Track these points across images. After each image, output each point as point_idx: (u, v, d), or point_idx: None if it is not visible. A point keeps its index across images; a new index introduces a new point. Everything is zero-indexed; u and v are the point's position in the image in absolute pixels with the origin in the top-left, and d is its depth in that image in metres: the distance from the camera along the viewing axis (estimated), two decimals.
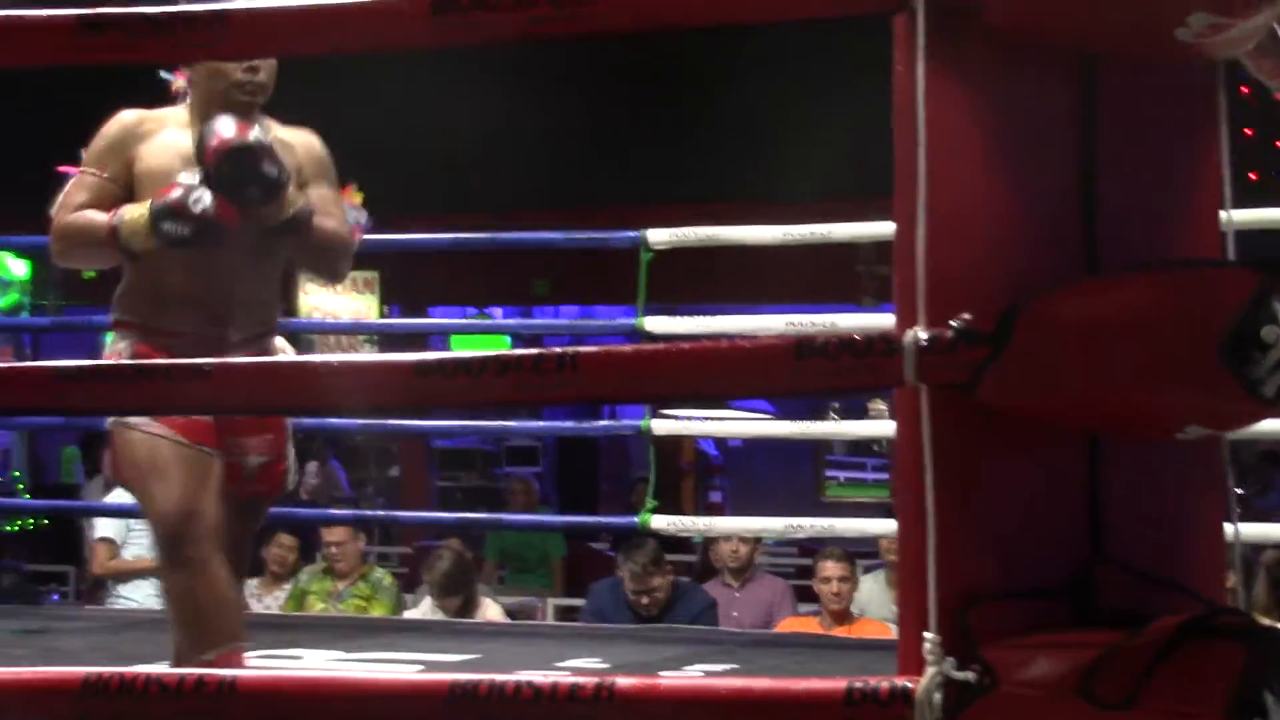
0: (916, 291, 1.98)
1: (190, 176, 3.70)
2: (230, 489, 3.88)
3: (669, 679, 2.01)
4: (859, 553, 7.73)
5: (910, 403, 1.98)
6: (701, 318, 6.67)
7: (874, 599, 7.44)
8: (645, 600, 7.24)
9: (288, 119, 4.00)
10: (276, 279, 4.03)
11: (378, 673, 2.18)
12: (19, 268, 12.71)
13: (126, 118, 3.92)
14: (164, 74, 4.05)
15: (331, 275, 4.10)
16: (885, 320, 6.81)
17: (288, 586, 8.21)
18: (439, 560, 7.52)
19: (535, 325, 11.94)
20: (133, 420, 3.73)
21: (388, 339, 10.91)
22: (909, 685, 1.90)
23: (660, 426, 6.71)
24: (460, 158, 12.25)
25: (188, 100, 3.92)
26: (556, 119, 12.13)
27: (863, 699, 1.92)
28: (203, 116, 3.80)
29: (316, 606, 7.86)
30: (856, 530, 6.77)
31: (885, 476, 15.11)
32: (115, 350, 3.90)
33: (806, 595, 7.97)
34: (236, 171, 3.66)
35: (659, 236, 6.61)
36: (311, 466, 13.51)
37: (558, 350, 2.03)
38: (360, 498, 14.36)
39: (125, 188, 3.85)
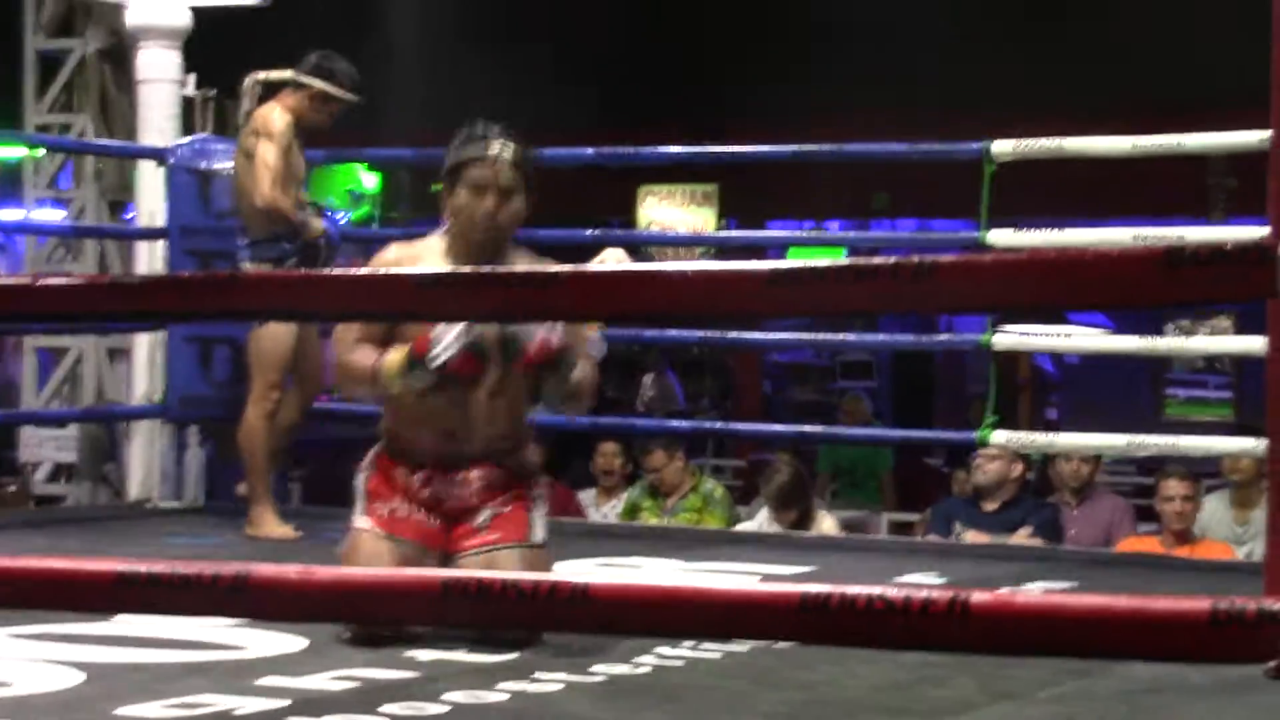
0: None
1: (447, 332, 4.16)
2: (463, 547, 4.36)
3: (1024, 595, 1.97)
4: (1201, 473, 7.54)
5: None
6: (1046, 230, 6.54)
7: (1216, 519, 7.26)
8: (983, 479, 7.22)
9: None
10: (518, 404, 4.43)
11: (723, 583, 2.17)
12: (370, 181, 13.04)
13: (387, 255, 4.40)
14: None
15: (574, 411, 4.67)
16: (1237, 233, 6.63)
17: (623, 496, 8.30)
18: (777, 472, 7.54)
19: (874, 238, 11.85)
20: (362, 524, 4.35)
21: (725, 251, 10.94)
22: (1277, 607, 1.83)
23: (1001, 341, 6.61)
24: (803, 60, 12.18)
25: (445, 229, 4.41)
26: (906, 20, 11.98)
27: (1228, 620, 1.85)
28: (454, 249, 4.35)
29: (649, 521, 7.94)
30: (1201, 448, 6.60)
31: (1228, 395, 14.69)
32: (367, 460, 4.45)
33: (1144, 515, 7.81)
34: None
35: (1003, 148, 6.50)
36: (648, 379, 13.64)
37: (915, 258, 1.99)
38: (695, 410, 14.46)
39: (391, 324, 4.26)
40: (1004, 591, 1.98)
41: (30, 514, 7.54)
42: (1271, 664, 1.85)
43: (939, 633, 1.98)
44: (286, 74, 6.36)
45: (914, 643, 2.06)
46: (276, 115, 6.28)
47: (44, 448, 7.99)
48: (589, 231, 7.27)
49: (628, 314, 2.16)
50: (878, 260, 2.02)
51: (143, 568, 2.12)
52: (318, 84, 6.33)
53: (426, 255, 4.34)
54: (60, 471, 8.03)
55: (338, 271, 2.10)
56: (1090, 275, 1.95)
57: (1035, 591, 4.45)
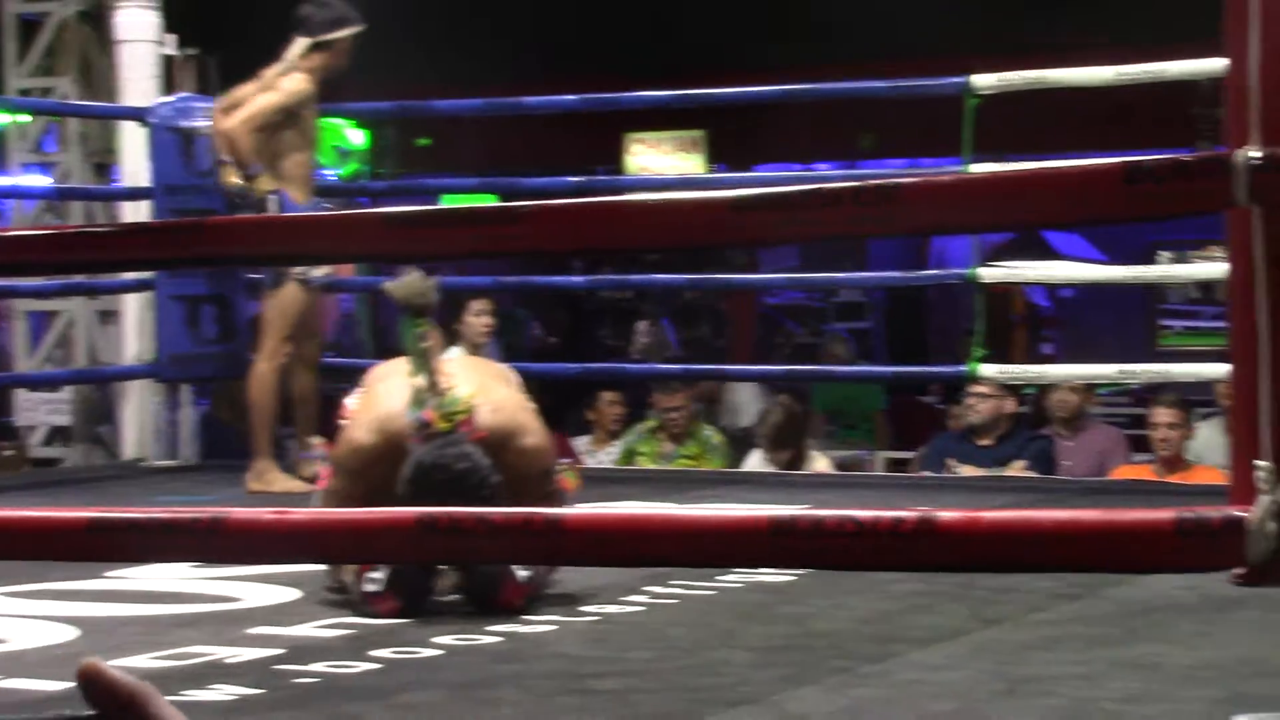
0: (1249, 111, 1.90)
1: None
2: None
3: (991, 513, 1.98)
4: (1197, 400, 7.56)
5: (1242, 225, 1.91)
6: (1030, 163, 6.54)
7: (1210, 446, 7.26)
8: (976, 418, 7.23)
9: None
10: None
11: (695, 512, 2.18)
12: (357, 137, 13.01)
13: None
14: None
15: None
16: None
17: (619, 444, 8.32)
18: (771, 413, 7.55)
19: (861, 178, 11.80)
20: None
21: None
22: (1241, 514, 1.85)
23: (988, 274, 6.61)
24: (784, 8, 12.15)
25: None
26: None
27: (1194, 530, 1.87)
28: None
29: (646, 466, 7.95)
30: (1191, 374, 6.61)
31: (1222, 324, 14.64)
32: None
33: (1142, 445, 7.83)
34: None
35: (985, 81, 6.48)
36: (642, 326, 13.64)
37: (877, 181, 2.00)
38: (690, 357, 14.45)
39: None
40: (970, 510, 1.99)
41: (27, 476, 7.56)
42: (1238, 571, 1.86)
43: (909, 552, 1.99)
44: (306, 42, 6.38)
45: (885, 563, 2.08)
46: (291, 80, 6.32)
47: (39, 411, 8.00)
48: (571, 179, 7.26)
49: (595, 247, 2.16)
50: (840, 184, 2.03)
51: (119, 514, 2.13)
52: (340, 34, 6.38)
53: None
54: (56, 434, 8.05)
55: (308, 214, 2.11)
56: (1050, 192, 1.96)
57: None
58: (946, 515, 1.96)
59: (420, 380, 3.99)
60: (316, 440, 6.32)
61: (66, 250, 2.22)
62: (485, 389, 4.14)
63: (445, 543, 2.12)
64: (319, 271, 6.38)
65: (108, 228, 2.10)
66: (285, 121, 6.31)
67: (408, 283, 4.08)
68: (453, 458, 3.89)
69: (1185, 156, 1.94)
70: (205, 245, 2.36)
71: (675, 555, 2.15)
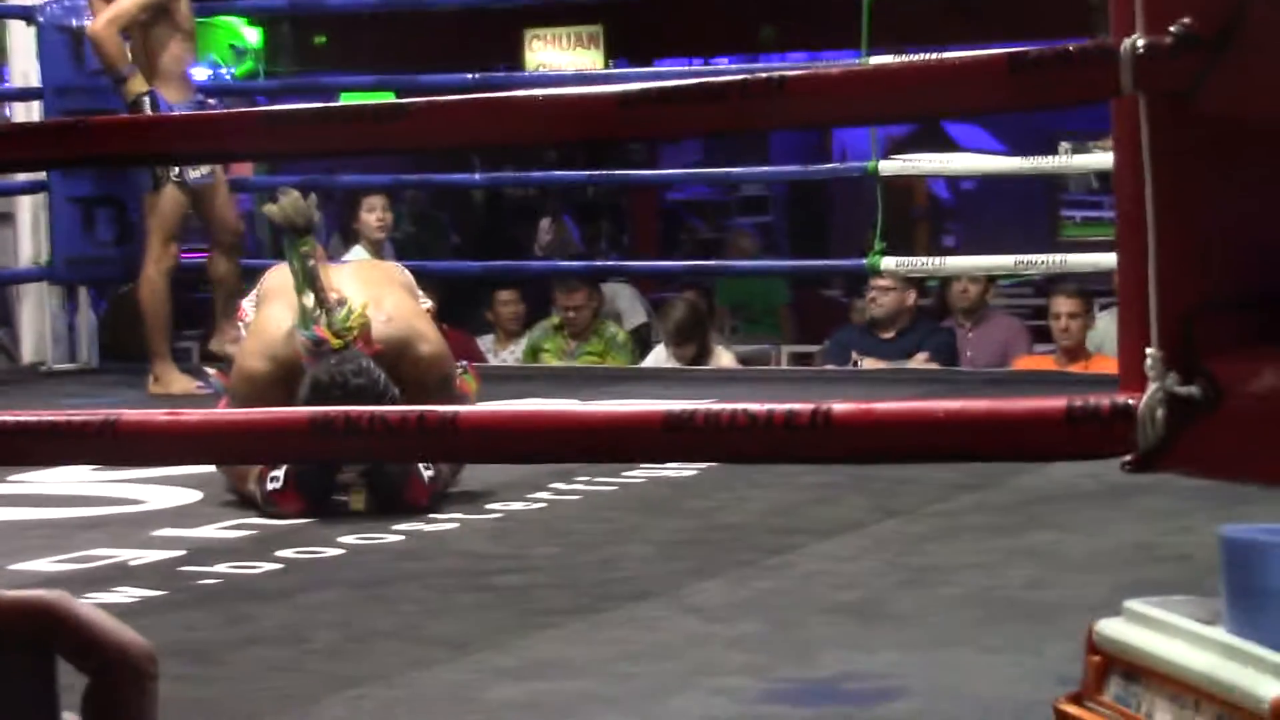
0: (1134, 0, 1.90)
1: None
2: None
3: (885, 404, 1.99)
4: (1097, 290, 7.61)
5: (1128, 114, 1.92)
6: (927, 55, 6.54)
7: (1111, 336, 7.32)
8: (879, 311, 7.26)
9: None
10: None
11: (589, 406, 2.18)
12: (252, 35, 12.86)
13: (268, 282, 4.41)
14: None
15: None
16: None
17: (522, 342, 8.30)
18: (673, 309, 7.56)
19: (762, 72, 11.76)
20: None
21: None
22: (1130, 402, 1.86)
23: (888, 167, 6.63)
24: None
25: None
26: None
27: (1083, 417, 1.88)
28: None
29: (552, 363, 7.95)
30: (1089, 264, 6.66)
31: None
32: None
33: (1044, 336, 7.90)
34: None
35: None
36: (544, 223, 13.59)
37: (765, 75, 1.99)
38: (593, 253, 14.42)
39: None
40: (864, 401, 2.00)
41: None
42: (1128, 457, 1.88)
43: (804, 444, 2.00)
44: None
45: (780, 455, 2.09)
46: None
47: None
48: (469, 76, 7.20)
49: (481, 142, 2.15)
50: (728, 78, 2.02)
51: (11, 417, 2.11)
52: None
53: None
54: None
55: (182, 113, 2.08)
56: (935, 83, 1.96)
57: None
58: (841, 407, 1.96)
59: (308, 300, 3.94)
60: (211, 370, 6.28)
61: None
62: (378, 299, 4.09)
63: (341, 443, 2.11)
64: (196, 172, 6.29)
65: None
66: (156, 17, 6.20)
67: (286, 203, 4.01)
68: (349, 373, 3.85)
69: (1071, 45, 1.94)
70: (80, 146, 2.33)
71: (570, 451, 2.15)
